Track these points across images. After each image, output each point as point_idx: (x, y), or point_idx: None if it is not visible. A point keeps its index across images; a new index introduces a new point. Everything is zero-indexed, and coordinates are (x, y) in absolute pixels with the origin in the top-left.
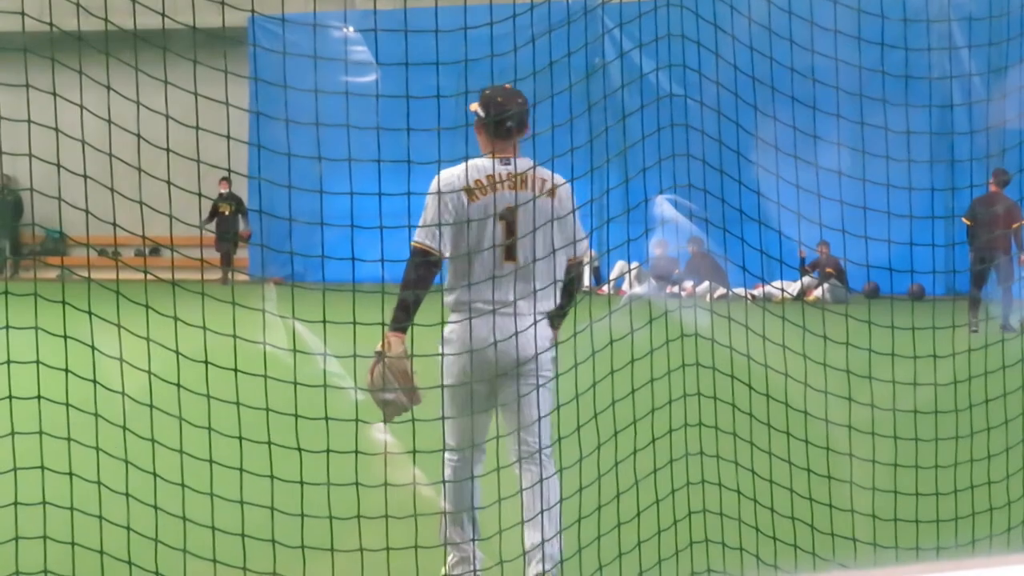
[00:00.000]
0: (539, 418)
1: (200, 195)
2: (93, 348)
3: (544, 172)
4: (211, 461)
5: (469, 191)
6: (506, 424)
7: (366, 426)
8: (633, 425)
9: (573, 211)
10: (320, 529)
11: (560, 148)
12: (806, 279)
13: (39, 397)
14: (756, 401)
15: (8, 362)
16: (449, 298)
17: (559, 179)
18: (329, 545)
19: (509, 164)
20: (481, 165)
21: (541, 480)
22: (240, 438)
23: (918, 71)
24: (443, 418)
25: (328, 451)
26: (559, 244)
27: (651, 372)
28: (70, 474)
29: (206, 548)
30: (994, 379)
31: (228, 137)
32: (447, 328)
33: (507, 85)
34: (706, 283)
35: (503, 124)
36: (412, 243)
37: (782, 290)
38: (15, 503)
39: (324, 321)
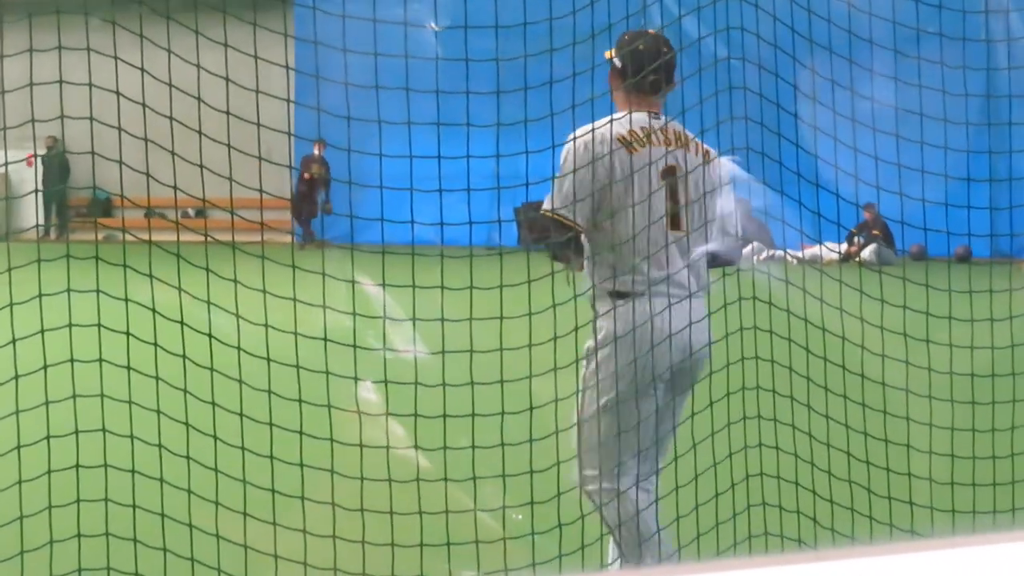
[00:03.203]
0: (674, 427)
1: (262, 159)
2: (154, 311)
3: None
4: (271, 424)
5: (626, 142)
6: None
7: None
8: (691, 388)
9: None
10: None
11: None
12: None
13: (100, 360)
14: (813, 364)
15: (70, 325)
16: (600, 280)
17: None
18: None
19: (660, 119)
20: (632, 118)
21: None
22: (300, 401)
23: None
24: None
25: (387, 414)
26: (715, 215)
27: (708, 336)
28: (131, 437)
29: (265, 510)
30: None
31: (288, 100)
32: (601, 322)
33: (650, 30)
34: (751, 245)
35: (647, 76)
36: (543, 211)
37: (839, 251)
38: (76, 466)
39: (383, 284)
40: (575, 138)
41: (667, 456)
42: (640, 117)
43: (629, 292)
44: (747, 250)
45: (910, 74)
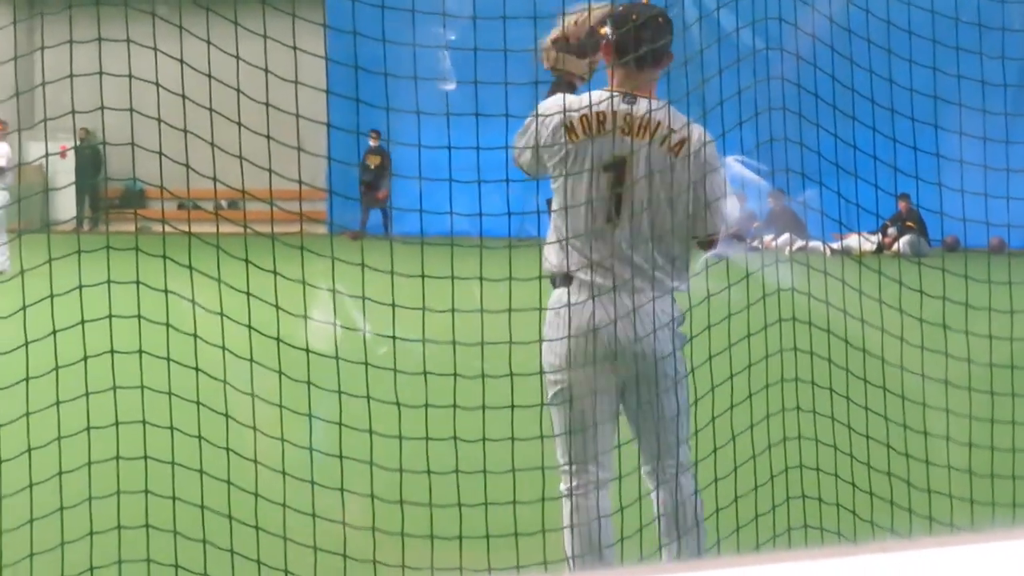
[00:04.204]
0: (679, 443)
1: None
2: (194, 303)
3: (676, 119)
4: (310, 416)
5: (569, 127)
6: (632, 432)
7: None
8: (730, 380)
9: (718, 177)
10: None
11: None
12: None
13: (140, 352)
14: (851, 356)
15: (110, 316)
16: (546, 264)
17: (697, 132)
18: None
19: (634, 102)
20: (596, 97)
21: (677, 505)
22: (340, 392)
23: None
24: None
25: (427, 406)
26: (680, 211)
27: (748, 327)
28: (171, 428)
29: (304, 502)
30: None
31: (327, 92)
32: (550, 308)
33: (644, 1)
34: (786, 235)
35: (628, 53)
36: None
37: (879, 240)
38: (116, 458)
39: (423, 276)
40: (535, 114)
41: (670, 455)
42: (605, 98)
43: (555, 280)
44: (782, 239)
45: (948, 63)
